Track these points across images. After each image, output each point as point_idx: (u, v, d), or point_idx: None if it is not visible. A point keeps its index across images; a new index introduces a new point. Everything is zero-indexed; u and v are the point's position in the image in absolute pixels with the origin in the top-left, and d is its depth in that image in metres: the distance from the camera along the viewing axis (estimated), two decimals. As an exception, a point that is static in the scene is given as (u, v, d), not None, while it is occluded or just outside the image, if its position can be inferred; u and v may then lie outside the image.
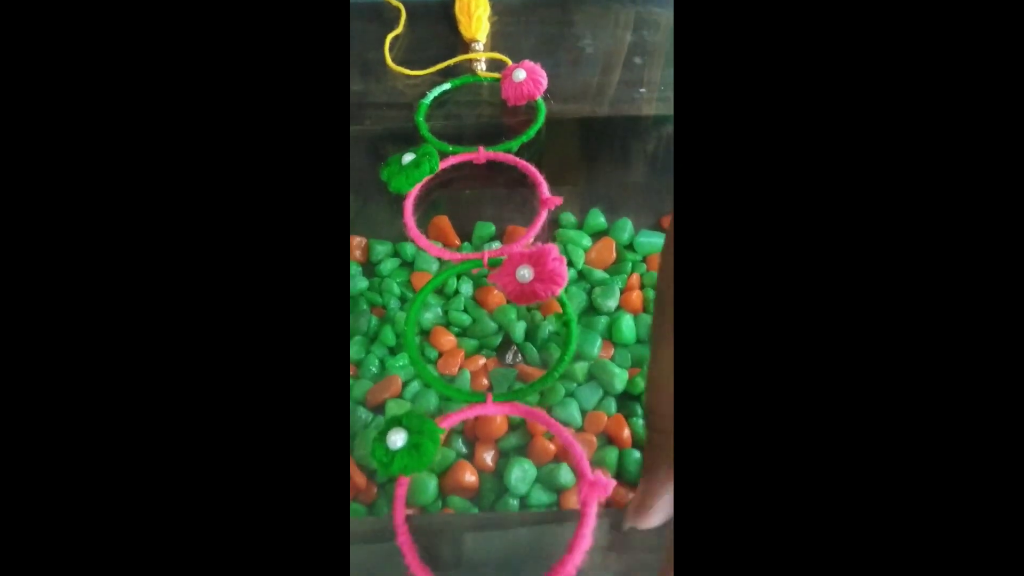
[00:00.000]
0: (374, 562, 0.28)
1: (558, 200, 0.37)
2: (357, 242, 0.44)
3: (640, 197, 0.45)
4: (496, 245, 0.41)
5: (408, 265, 0.43)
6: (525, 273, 0.32)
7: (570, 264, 0.41)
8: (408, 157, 0.39)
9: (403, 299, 0.41)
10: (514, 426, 0.36)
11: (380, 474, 0.28)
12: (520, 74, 0.44)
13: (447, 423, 0.31)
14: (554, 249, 0.32)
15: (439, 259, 0.40)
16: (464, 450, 0.35)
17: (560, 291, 0.32)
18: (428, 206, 0.41)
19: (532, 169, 0.40)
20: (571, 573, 0.25)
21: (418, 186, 0.39)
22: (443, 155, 0.42)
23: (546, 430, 0.35)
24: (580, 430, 0.36)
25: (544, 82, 0.44)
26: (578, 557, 0.26)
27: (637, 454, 0.34)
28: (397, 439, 0.27)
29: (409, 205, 0.39)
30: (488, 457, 0.35)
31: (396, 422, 0.28)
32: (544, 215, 0.36)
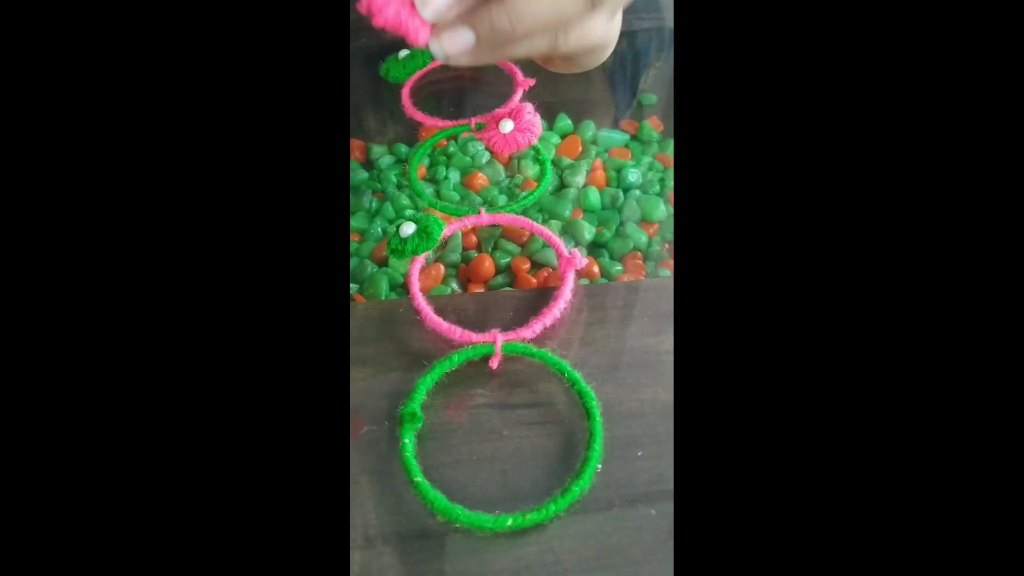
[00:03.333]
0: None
1: (531, 81, 0.44)
2: (357, 145, 0.50)
3: (600, 106, 0.52)
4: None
5: (402, 162, 0.50)
6: (506, 126, 0.39)
7: (542, 159, 0.48)
8: (403, 52, 0.46)
9: (399, 186, 0.48)
10: (500, 270, 0.42)
11: (396, 258, 0.33)
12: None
13: (449, 228, 0.37)
14: (530, 106, 0.39)
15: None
16: (459, 288, 0.42)
17: (536, 140, 0.39)
18: (418, 105, 0.48)
19: (506, 63, 0.47)
20: (556, 315, 0.32)
21: (413, 77, 0.46)
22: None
23: (529, 267, 0.41)
24: (554, 269, 0.42)
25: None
26: (560, 305, 0.32)
27: (604, 280, 0.41)
28: (408, 228, 0.33)
29: (406, 91, 0.46)
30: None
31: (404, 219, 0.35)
32: (519, 92, 0.44)
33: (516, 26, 0.24)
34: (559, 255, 0.35)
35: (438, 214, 0.39)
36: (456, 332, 0.32)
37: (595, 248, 0.43)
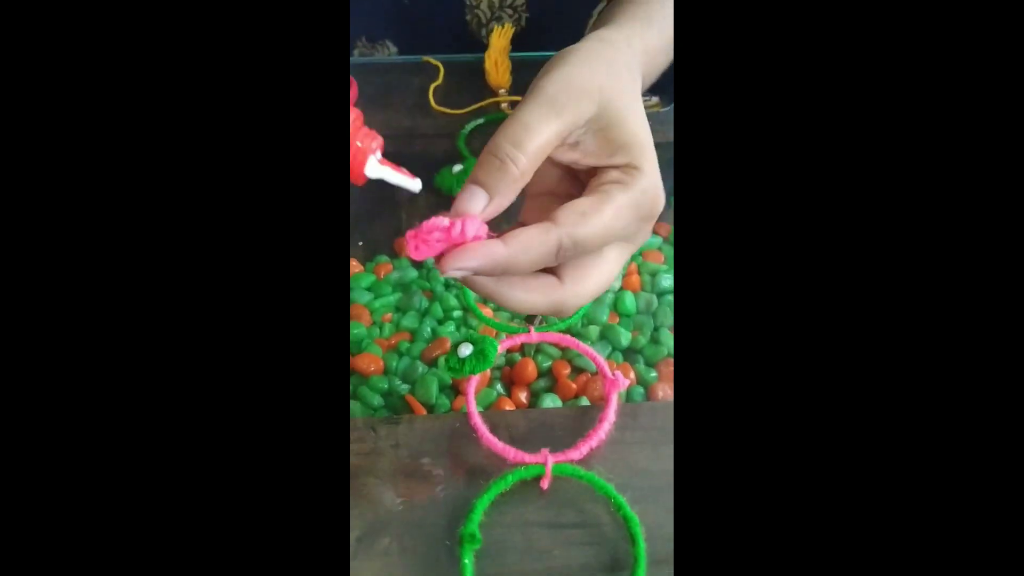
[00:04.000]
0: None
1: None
2: (407, 242, 0.54)
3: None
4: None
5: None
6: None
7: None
8: (457, 168, 0.50)
9: (447, 285, 0.51)
10: (543, 373, 0.45)
11: (453, 375, 0.36)
12: None
13: (504, 344, 0.40)
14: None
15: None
16: (503, 390, 0.44)
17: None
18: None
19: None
20: (601, 438, 0.35)
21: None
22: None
23: (569, 372, 0.44)
24: (594, 374, 0.45)
25: None
26: (605, 427, 0.35)
27: (641, 389, 0.44)
28: (465, 349, 0.36)
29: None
30: (523, 396, 0.44)
31: (462, 339, 0.38)
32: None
33: (501, 282, 0.27)
34: (603, 376, 0.38)
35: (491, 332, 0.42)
36: (510, 452, 0.34)
37: (631, 354, 0.46)
